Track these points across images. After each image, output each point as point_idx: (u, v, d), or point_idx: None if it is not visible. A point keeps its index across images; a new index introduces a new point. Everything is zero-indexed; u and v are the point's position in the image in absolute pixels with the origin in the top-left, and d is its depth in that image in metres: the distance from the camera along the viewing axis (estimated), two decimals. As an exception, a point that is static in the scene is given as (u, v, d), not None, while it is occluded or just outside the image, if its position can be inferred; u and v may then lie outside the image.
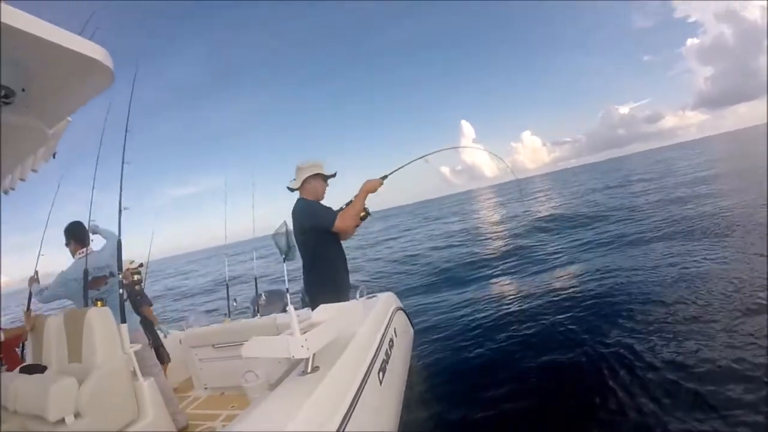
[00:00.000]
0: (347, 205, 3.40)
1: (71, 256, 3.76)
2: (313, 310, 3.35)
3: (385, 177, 3.45)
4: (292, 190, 3.51)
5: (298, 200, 3.46)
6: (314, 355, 2.31)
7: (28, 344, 3.47)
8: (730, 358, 3.64)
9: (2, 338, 3.83)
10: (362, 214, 3.36)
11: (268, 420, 1.91)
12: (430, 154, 3.78)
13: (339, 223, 3.23)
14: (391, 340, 3.58)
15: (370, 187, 3.39)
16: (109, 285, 3.83)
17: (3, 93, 1.94)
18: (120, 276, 3.25)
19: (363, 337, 2.99)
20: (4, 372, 3.85)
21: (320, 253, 3.41)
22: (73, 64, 1.86)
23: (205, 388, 4.43)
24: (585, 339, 4.72)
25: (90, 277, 3.67)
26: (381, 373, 2.97)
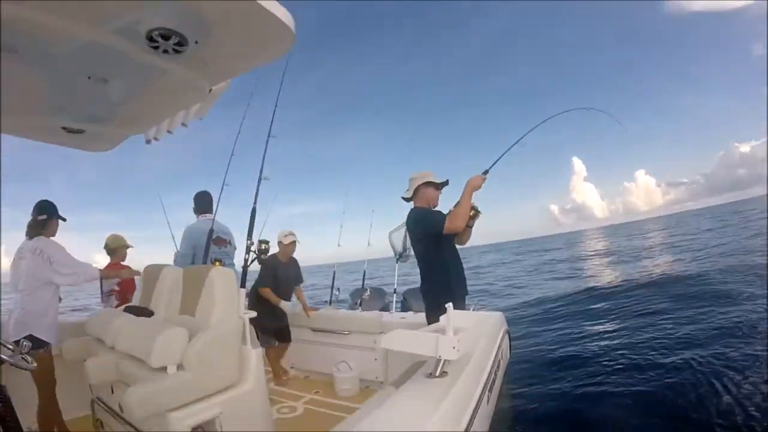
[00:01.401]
0: (455, 206, 3.29)
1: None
2: (427, 316, 3.35)
3: (486, 171, 3.34)
4: (406, 199, 3.54)
5: (412, 209, 3.49)
6: (446, 361, 2.13)
7: (138, 288, 3.53)
8: None
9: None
10: (471, 212, 3.30)
11: (404, 417, 1.75)
12: (526, 134, 3.62)
13: (448, 224, 3.14)
14: (499, 361, 3.34)
15: (475, 184, 3.26)
16: (229, 250, 4.03)
17: (177, 41, 1.89)
18: (248, 242, 3.22)
19: (484, 352, 2.77)
20: (109, 308, 3.99)
21: (435, 260, 3.38)
22: (259, 23, 1.79)
23: (291, 368, 4.38)
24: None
25: (215, 235, 3.85)
26: (490, 392, 2.74)
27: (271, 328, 4.48)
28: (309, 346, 4.22)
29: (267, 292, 4.42)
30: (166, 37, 1.86)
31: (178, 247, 4.26)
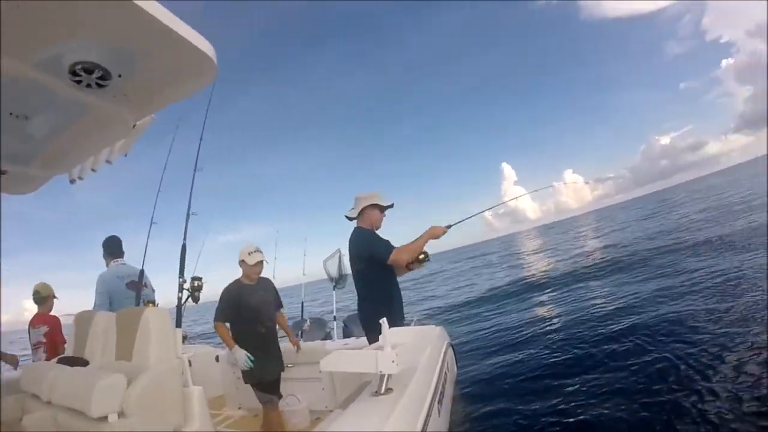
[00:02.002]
0: (409, 243, 3.42)
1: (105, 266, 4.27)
2: (368, 337, 3.40)
3: (449, 226, 3.48)
4: (350, 218, 3.61)
5: (356, 229, 3.56)
6: (389, 376, 2.16)
7: (70, 337, 3.38)
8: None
9: None
10: (421, 256, 3.42)
11: None
12: (492, 207, 4.01)
13: (394, 256, 3.28)
14: (446, 374, 3.41)
15: (434, 233, 3.43)
16: (147, 292, 4.00)
17: (100, 75, 1.87)
18: (181, 280, 3.16)
19: (428, 365, 2.83)
20: (42, 361, 3.80)
21: (376, 283, 3.45)
22: (182, 56, 1.81)
23: (239, 408, 4.26)
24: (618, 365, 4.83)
25: (128, 280, 3.81)
26: (440, 404, 2.79)
27: (269, 376, 3.70)
28: None
29: (219, 329, 3.67)
30: (89, 71, 1.84)
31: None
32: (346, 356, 2.17)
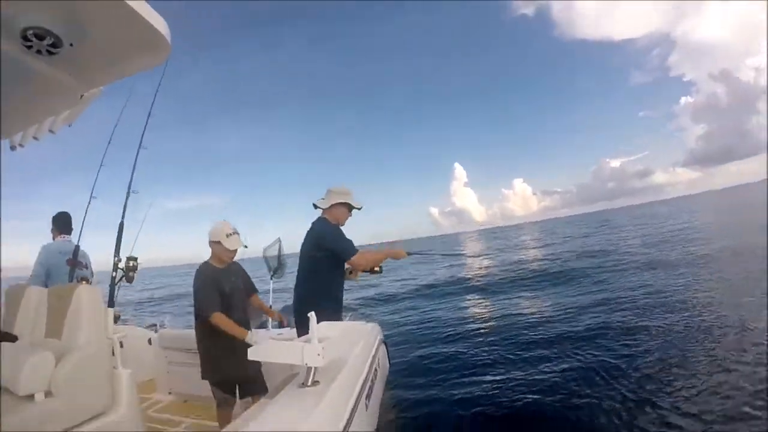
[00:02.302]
0: (371, 252, 3.62)
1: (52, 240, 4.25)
2: (297, 321, 3.47)
3: (410, 254, 3.74)
4: (317, 207, 3.65)
5: (321, 219, 3.62)
6: (316, 369, 2.24)
7: (0, 311, 3.28)
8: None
9: None
10: (377, 268, 3.64)
11: (276, 427, 1.83)
12: (454, 255, 4.09)
13: (356, 259, 3.44)
14: (376, 370, 3.52)
15: (396, 253, 3.68)
16: (86, 273, 3.95)
17: (51, 42, 1.86)
18: (116, 259, 3.12)
19: (357, 360, 2.92)
20: None
21: (324, 273, 3.50)
22: (136, 32, 1.81)
23: (169, 393, 4.23)
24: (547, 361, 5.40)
25: (69, 257, 3.73)
26: (368, 399, 2.90)
27: (233, 375, 3.31)
28: (186, 368, 4.09)
29: (220, 320, 3.11)
30: (40, 37, 1.82)
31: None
32: (274, 347, 2.20)
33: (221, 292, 3.23)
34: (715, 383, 4.15)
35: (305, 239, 3.55)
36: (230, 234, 3.31)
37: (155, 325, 5.44)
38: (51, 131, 3.17)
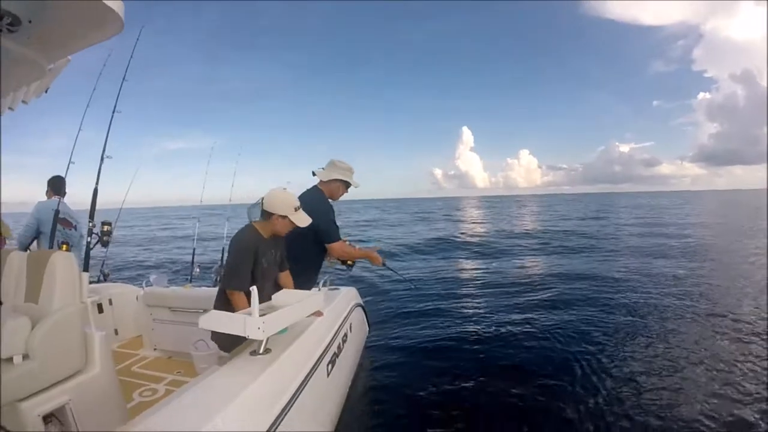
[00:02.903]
0: (351, 247, 3.73)
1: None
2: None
3: (385, 265, 3.93)
4: (314, 174, 3.72)
5: (316, 189, 3.70)
6: (268, 337, 2.37)
7: None
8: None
9: None
10: (350, 262, 3.81)
11: (214, 394, 1.97)
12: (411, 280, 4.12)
13: (337, 246, 3.60)
14: (346, 335, 3.68)
15: (373, 257, 3.83)
16: (74, 234, 4.14)
17: (9, 21, 1.94)
18: (90, 225, 3.25)
19: (319, 328, 3.06)
20: None
21: (305, 245, 3.53)
22: (86, 7, 1.89)
23: (155, 350, 4.43)
24: (540, 342, 5.45)
25: (61, 215, 3.92)
26: (330, 366, 3.05)
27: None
28: (169, 326, 4.28)
29: (237, 299, 2.77)
30: None
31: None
32: (221, 317, 2.32)
33: (256, 264, 2.87)
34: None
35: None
36: (298, 207, 2.95)
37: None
38: (24, 102, 3.27)
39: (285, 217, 2.90)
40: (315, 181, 3.79)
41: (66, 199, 4.46)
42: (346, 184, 3.75)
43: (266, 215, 2.94)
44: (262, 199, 2.93)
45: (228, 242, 3.12)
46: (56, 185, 4.69)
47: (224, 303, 2.87)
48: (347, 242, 3.73)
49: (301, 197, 3.34)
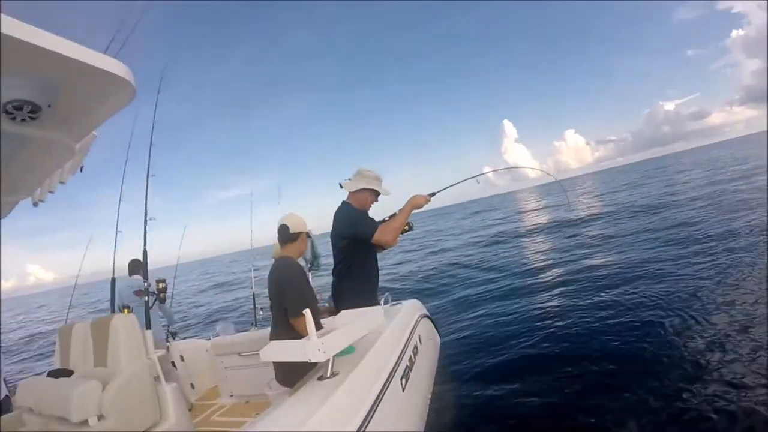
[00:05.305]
0: (390, 217, 3.42)
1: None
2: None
3: (432, 194, 3.47)
4: (342, 187, 3.55)
5: (344, 203, 3.52)
6: (334, 360, 2.31)
7: (56, 350, 3.57)
8: None
9: None
10: (406, 227, 3.41)
11: (284, 422, 1.90)
12: (481, 174, 3.86)
13: (378, 236, 3.21)
14: (416, 347, 3.54)
15: (416, 203, 3.40)
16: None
17: (30, 109, 1.99)
18: (146, 284, 3.32)
19: (385, 344, 2.96)
20: (31, 376, 4.04)
21: (355, 263, 3.43)
22: (96, 80, 1.90)
23: (231, 396, 4.45)
24: (621, 345, 4.63)
25: (135, 289, 4.11)
26: (404, 380, 2.93)
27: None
28: (241, 370, 4.29)
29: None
30: (19, 108, 1.95)
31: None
32: (279, 347, 2.29)
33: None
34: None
35: (332, 226, 3.48)
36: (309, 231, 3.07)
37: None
38: (61, 182, 3.39)
39: (297, 233, 2.94)
40: (344, 194, 3.62)
41: (124, 262, 4.81)
42: (375, 193, 3.57)
43: (294, 237, 2.95)
44: (282, 226, 2.93)
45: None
46: (134, 267, 5.33)
47: (287, 331, 2.68)
48: (385, 221, 3.45)
49: (334, 217, 3.42)
